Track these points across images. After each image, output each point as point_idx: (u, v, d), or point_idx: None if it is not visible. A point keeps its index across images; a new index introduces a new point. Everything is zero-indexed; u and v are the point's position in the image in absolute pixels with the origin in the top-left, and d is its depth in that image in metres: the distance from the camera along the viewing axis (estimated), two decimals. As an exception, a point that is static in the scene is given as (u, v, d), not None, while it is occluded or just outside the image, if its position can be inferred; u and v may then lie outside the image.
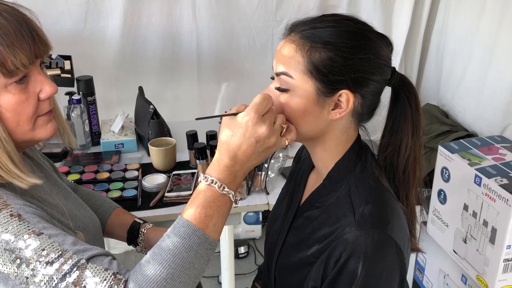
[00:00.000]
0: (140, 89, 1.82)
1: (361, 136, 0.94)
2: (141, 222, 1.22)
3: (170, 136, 1.73)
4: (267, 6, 2.19)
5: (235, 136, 0.79)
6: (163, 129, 1.69)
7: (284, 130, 0.83)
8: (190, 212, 0.80)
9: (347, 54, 0.81)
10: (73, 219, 1.00)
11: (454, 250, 1.72)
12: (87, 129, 1.74)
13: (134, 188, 1.50)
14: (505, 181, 1.48)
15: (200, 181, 0.81)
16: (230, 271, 1.94)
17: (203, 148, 1.51)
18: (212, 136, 1.61)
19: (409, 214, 0.96)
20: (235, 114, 0.81)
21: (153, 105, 1.66)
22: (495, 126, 1.94)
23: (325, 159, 0.92)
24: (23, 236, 0.79)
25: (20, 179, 0.85)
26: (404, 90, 0.90)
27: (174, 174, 1.55)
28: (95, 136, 1.79)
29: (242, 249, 2.49)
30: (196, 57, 2.22)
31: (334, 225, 0.85)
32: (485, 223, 1.54)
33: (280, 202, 1.12)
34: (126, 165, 1.64)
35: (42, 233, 0.80)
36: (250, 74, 2.33)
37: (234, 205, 0.84)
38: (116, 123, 1.76)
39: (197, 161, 1.53)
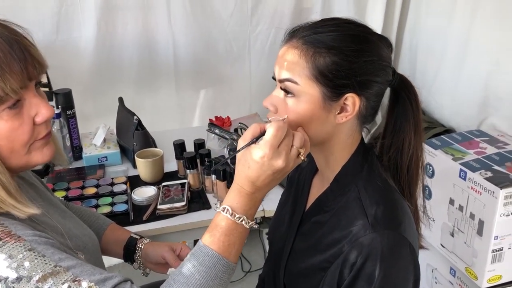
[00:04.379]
0: (121, 100, 1.77)
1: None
2: (138, 237, 1.19)
3: (156, 147, 1.69)
4: (242, 11, 2.18)
5: (251, 169, 0.79)
6: (148, 140, 1.65)
7: (303, 152, 0.81)
8: (213, 241, 0.81)
9: (351, 58, 0.81)
10: (73, 239, 0.96)
11: (441, 244, 1.76)
12: (68, 143, 1.68)
13: (124, 203, 1.46)
14: (489, 174, 1.53)
15: (219, 211, 0.82)
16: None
17: (193, 157, 1.48)
18: (200, 145, 1.59)
19: (414, 212, 0.97)
20: (253, 142, 0.80)
21: (137, 116, 1.62)
22: (472, 121, 1.99)
23: (331, 163, 0.92)
24: (42, 272, 0.76)
25: (17, 210, 0.82)
26: (405, 90, 0.91)
27: (163, 186, 1.52)
28: (76, 150, 1.73)
29: (228, 256, 2.47)
30: (173, 65, 2.18)
31: (346, 229, 0.85)
32: (472, 216, 1.58)
33: (282, 208, 1.11)
34: (112, 179, 1.59)
35: (60, 266, 0.77)
36: (229, 79, 2.31)
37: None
38: (98, 136, 1.71)
39: (187, 170, 1.50)
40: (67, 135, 1.67)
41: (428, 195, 1.78)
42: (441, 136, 1.83)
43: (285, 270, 0.99)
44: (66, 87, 1.76)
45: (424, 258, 1.88)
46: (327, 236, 0.89)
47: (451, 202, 1.67)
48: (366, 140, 0.95)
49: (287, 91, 0.85)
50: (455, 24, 2.03)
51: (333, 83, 0.82)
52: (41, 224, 0.89)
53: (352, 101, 0.83)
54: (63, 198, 1.34)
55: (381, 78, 0.85)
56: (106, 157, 1.70)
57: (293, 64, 0.83)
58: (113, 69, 2.10)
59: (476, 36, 1.93)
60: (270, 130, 0.78)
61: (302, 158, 0.82)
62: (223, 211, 0.82)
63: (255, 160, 0.79)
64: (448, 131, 2.08)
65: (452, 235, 1.69)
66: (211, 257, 0.80)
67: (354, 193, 0.88)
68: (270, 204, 1.44)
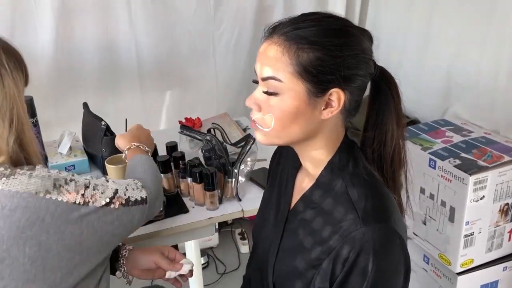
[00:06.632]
0: (85, 105, 1.71)
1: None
2: (120, 244, 1.15)
3: (125, 152, 1.64)
4: (205, 9, 2.16)
5: None
6: (117, 146, 1.60)
7: None
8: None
9: (335, 52, 0.80)
10: None
11: (414, 233, 1.80)
12: (32, 153, 1.60)
13: (98, 211, 1.40)
14: (458, 161, 1.57)
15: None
16: (199, 284, 1.91)
17: (167, 161, 1.45)
18: (173, 148, 1.55)
19: (399, 203, 0.98)
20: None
21: (105, 121, 1.57)
22: (436, 111, 2.05)
23: (316, 159, 0.92)
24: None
25: None
26: (385, 82, 0.91)
27: (137, 191, 1.47)
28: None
29: (202, 260, 2.43)
30: (137, 66, 2.13)
31: (336, 225, 0.85)
32: (443, 203, 1.62)
33: (265, 207, 1.09)
34: (83, 187, 1.52)
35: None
36: (194, 79, 2.28)
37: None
38: (64, 144, 1.64)
39: (161, 175, 1.46)
40: (31, 145, 1.59)
41: (399, 185, 1.82)
42: (408, 127, 1.87)
43: (274, 270, 0.98)
44: (24, 94, 1.68)
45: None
46: (316, 233, 0.89)
47: (422, 191, 1.71)
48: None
49: (269, 93, 0.83)
50: (415, 17, 2.09)
51: (318, 79, 0.81)
52: None
53: (337, 96, 0.83)
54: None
55: (364, 71, 0.85)
56: (73, 165, 1.63)
57: (276, 61, 0.82)
58: (74, 74, 2.02)
59: (436, 28, 1.98)
60: None
61: None
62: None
63: None
64: (413, 122, 2.13)
65: (424, 223, 1.73)
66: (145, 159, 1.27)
67: (341, 188, 0.88)
68: (249, 204, 1.43)
